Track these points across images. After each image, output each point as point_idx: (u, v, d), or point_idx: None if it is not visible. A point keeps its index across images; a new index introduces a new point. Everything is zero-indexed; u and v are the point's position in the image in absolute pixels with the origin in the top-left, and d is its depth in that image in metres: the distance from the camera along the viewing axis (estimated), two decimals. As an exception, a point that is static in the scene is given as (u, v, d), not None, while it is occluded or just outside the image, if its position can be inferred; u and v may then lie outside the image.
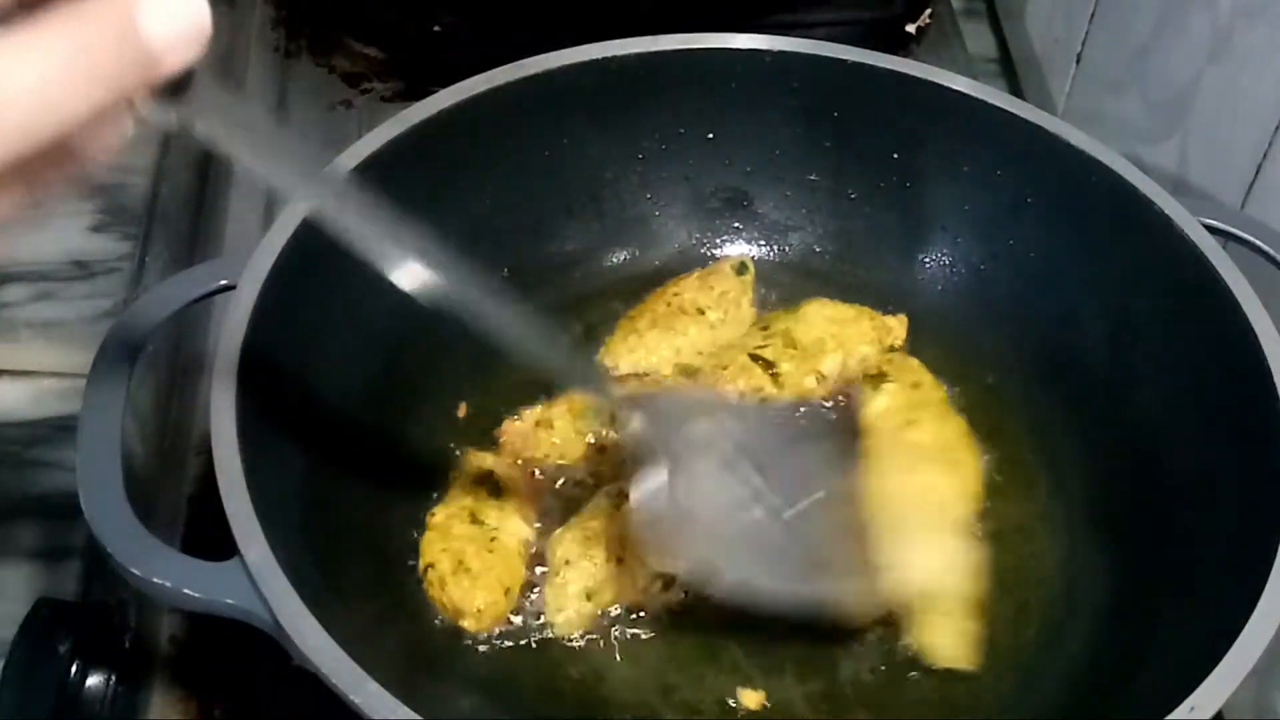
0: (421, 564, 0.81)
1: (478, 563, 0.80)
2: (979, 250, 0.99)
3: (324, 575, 0.70)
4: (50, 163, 0.39)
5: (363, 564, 0.80)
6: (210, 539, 0.67)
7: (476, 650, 0.80)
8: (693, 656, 0.80)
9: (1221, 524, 0.78)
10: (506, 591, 0.80)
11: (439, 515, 0.83)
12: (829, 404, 0.93)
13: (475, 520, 0.82)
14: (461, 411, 0.92)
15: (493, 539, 0.81)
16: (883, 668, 0.80)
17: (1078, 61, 1.20)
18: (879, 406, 0.91)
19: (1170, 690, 0.65)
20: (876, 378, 0.93)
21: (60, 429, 0.90)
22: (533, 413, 0.88)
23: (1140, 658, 0.77)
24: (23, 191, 0.39)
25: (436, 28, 1.27)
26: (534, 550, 0.83)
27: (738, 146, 1.01)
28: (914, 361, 0.95)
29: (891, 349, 0.96)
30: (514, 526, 0.83)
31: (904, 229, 1.02)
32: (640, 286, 0.99)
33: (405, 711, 0.61)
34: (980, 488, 0.88)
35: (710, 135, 1.00)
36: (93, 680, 0.80)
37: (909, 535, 0.75)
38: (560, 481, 0.88)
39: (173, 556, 0.67)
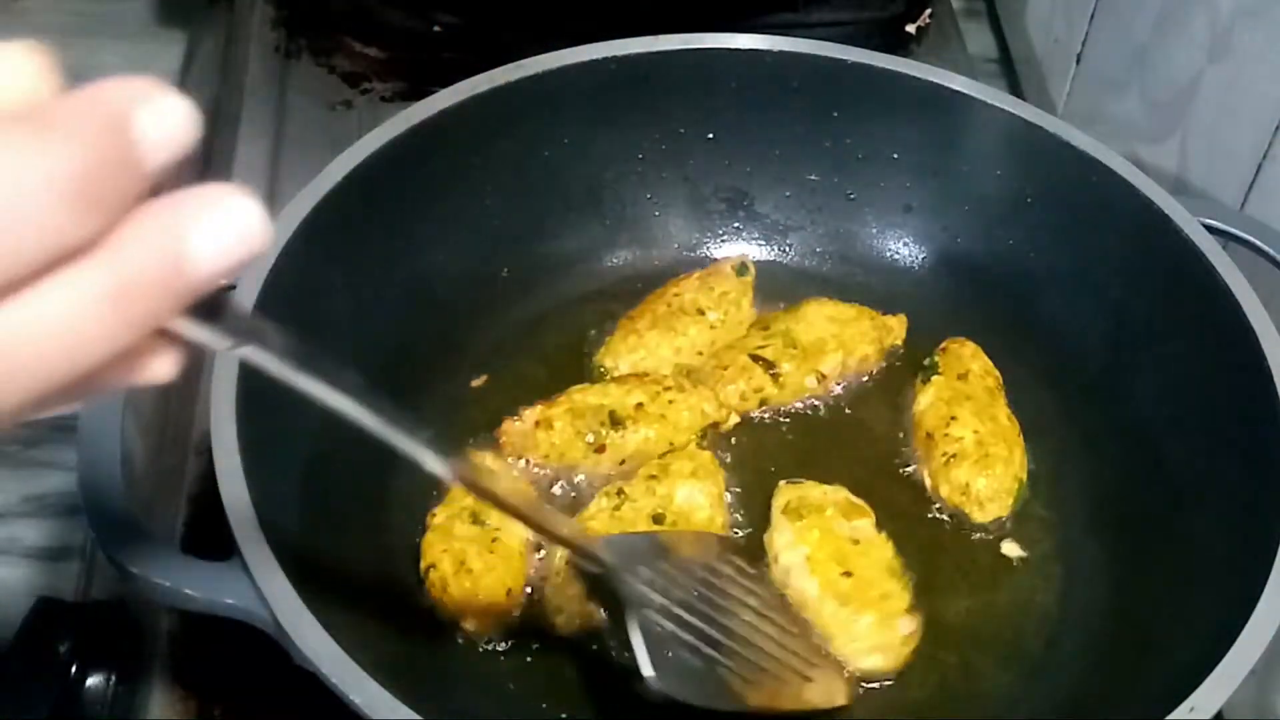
0: (423, 564, 0.81)
1: (479, 563, 0.80)
2: (979, 250, 0.99)
3: (324, 575, 0.70)
4: (84, 385, 0.36)
5: (363, 564, 0.80)
6: (210, 539, 0.67)
7: (477, 650, 0.80)
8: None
9: (1221, 524, 0.78)
10: (508, 592, 0.80)
11: (440, 516, 0.83)
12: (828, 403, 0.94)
13: (476, 521, 0.82)
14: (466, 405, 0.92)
15: (494, 539, 0.81)
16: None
17: (1078, 61, 1.20)
18: (922, 404, 0.92)
19: (1170, 690, 0.65)
20: (927, 369, 0.94)
21: (60, 429, 0.90)
22: (532, 413, 0.88)
23: (1140, 658, 0.77)
24: (54, 408, 0.37)
25: (436, 28, 1.27)
26: (535, 550, 0.83)
27: (738, 146, 1.01)
28: (968, 349, 0.95)
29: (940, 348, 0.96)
30: (515, 526, 0.83)
31: (903, 229, 1.02)
32: (640, 286, 0.99)
33: (405, 711, 0.61)
34: (1016, 482, 0.88)
35: (710, 135, 1.00)
36: (93, 680, 0.80)
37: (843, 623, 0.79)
38: (560, 481, 0.88)
39: (173, 556, 0.67)
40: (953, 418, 0.89)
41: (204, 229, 0.35)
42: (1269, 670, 0.85)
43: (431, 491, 0.86)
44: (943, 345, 0.95)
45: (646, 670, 0.68)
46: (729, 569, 0.76)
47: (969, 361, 0.94)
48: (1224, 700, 0.64)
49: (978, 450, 0.88)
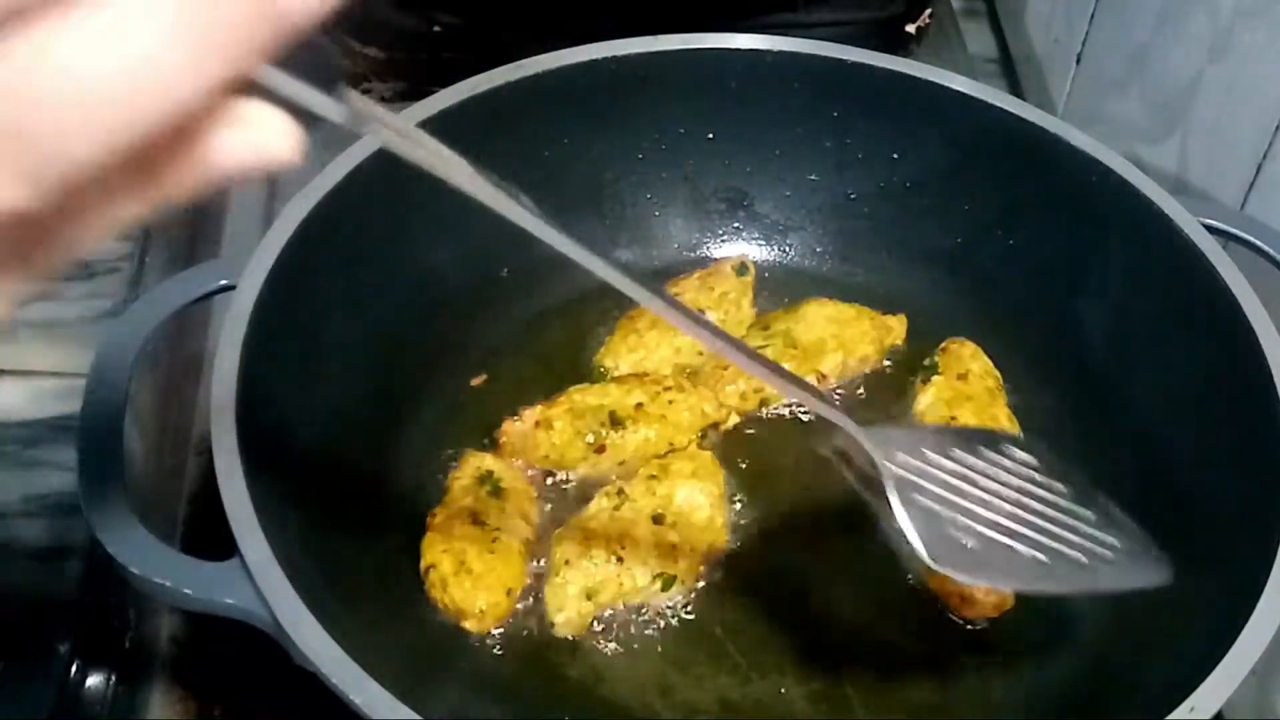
0: (423, 564, 0.81)
1: (479, 564, 0.80)
2: (978, 250, 0.99)
3: (324, 575, 0.70)
4: (171, 157, 0.30)
5: (363, 564, 0.80)
6: (210, 539, 0.67)
7: (477, 650, 0.80)
8: (693, 657, 0.80)
9: (1221, 524, 0.78)
10: (508, 592, 0.80)
11: (440, 516, 0.83)
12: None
13: (476, 521, 0.82)
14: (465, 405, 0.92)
15: (494, 539, 0.81)
16: (883, 669, 0.80)
17: (1078, 61, 1.20)
18: (922, 404, 0.92)
19: (1170, 690, 0.65)
20: (928, 369, 0.94)
21: (60, 429, 0.90)
22: (532, 413, 0.88)
23: (1140, 658, 0.77)
24: (140, 192, 0.31)
25: (436, 28, 1.27)
26: (535, 550, 0.83)
27: (738, 146, 1.01)
28: (968, 349, 0.95)
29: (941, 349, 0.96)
30: (515, 526, 0.83)
31: (903, 229, 1.02)
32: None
33: (405, 711, 0.61)
34: None
35: (710, 135, 1.00)
36: (93, 680, 0.80)
37: None
38: (560, 481, 0.88)
39: (172, 556, 0.67)
40: (953, 418, 0.89)
41: None
42: (1269, 670, 0.85)
43: (432, 491, 0.86)
44: (943, 345, 0.95)
45: (919, 549, 0.64)
46: (1005, 460, 0.71)
47: (969, 361, 0.94)
48: (1224, 700, 0.64)
49: None
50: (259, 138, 0.32)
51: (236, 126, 0.31)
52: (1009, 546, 0.67)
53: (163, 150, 0.30)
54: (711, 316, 0.96)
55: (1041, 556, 0.67)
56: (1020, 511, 0.68)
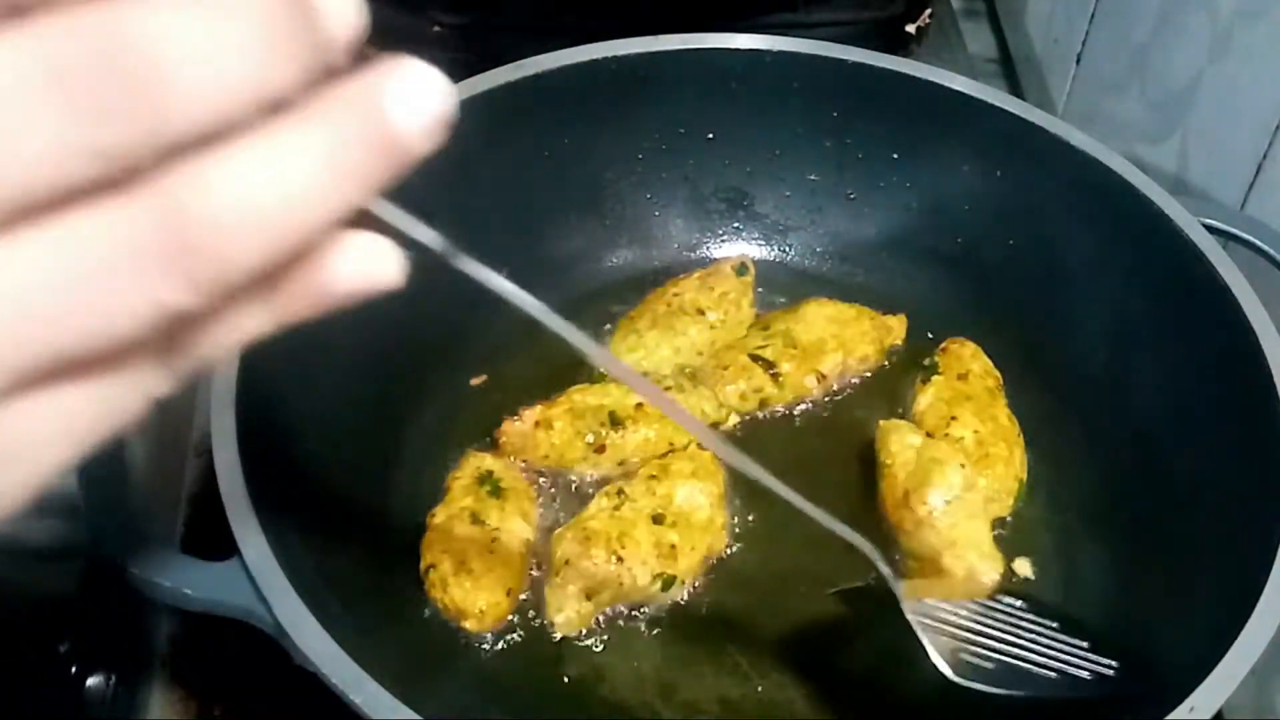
0: (423, 565, 0.81)
1: (479, 563, 0.80)
2: (979, 250, 0.99)
3: (323, 575, 0.70)
4: (292, 280, 0.35)
5: (362, 564, 0.80)
6: (210, 539, 0.67)
7: (476, 650, 0.80)
8: (693, 656, 0.80)
9: (1221, 524, 0.78)
10: (508, 592, 0.80)
11: (440, 516, 0.83)
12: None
13: (476, 521, 0.82)
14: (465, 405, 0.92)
15: (494, 539, 0.81)
16: (884, 669, 0.80)
17: (1078, 61, 1.20)
18: (922, 404, 0.92)
19: (1170, 690, 0.65)
20: (927, 369, 0.94)
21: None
22: (532, 413, 0.88)
23: (1140, 657, 0.76)
24: (267, 309, 0.35)
25: (436, 28, 1.27)
26: (535, 550, 0.83)
27: (738, 146, 1.01)
28: (968, 349, 0.95)
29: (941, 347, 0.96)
30: (515, 526, 0.83)
31: (903, 229, 1.02)
32: (640, 286, 0.99)
33: (405, 711, 0.61)
34: (1016, 482, 0.88)
35: (710, 135, 1.00)
36: (92, 680, 0.80)
37: None
38: (560, 481, 0.88)
39: (172, 556, 0.67)
40: (953, 417, 0.89)
41: (397, 87, 0.34)
42: (1269, 670, 0.85)
43: (431, 492, 0.86)
44: (943, 345, 0.95)
45: (942, 667, 0.73)
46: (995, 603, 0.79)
47: (969, 362, 0.94)
48: (1224, 700, 0.64)
49: (978, 450, 0.88)
50: (368, 264, 0.36)
51: (350, 253, 0.36)
52: (1022, 660, 0.75)
53: (286, 272, 0.34)
54: (711, 317, 0.96)
55: (1050, 674, 0.75)
56: (1021, 635, 0.76)
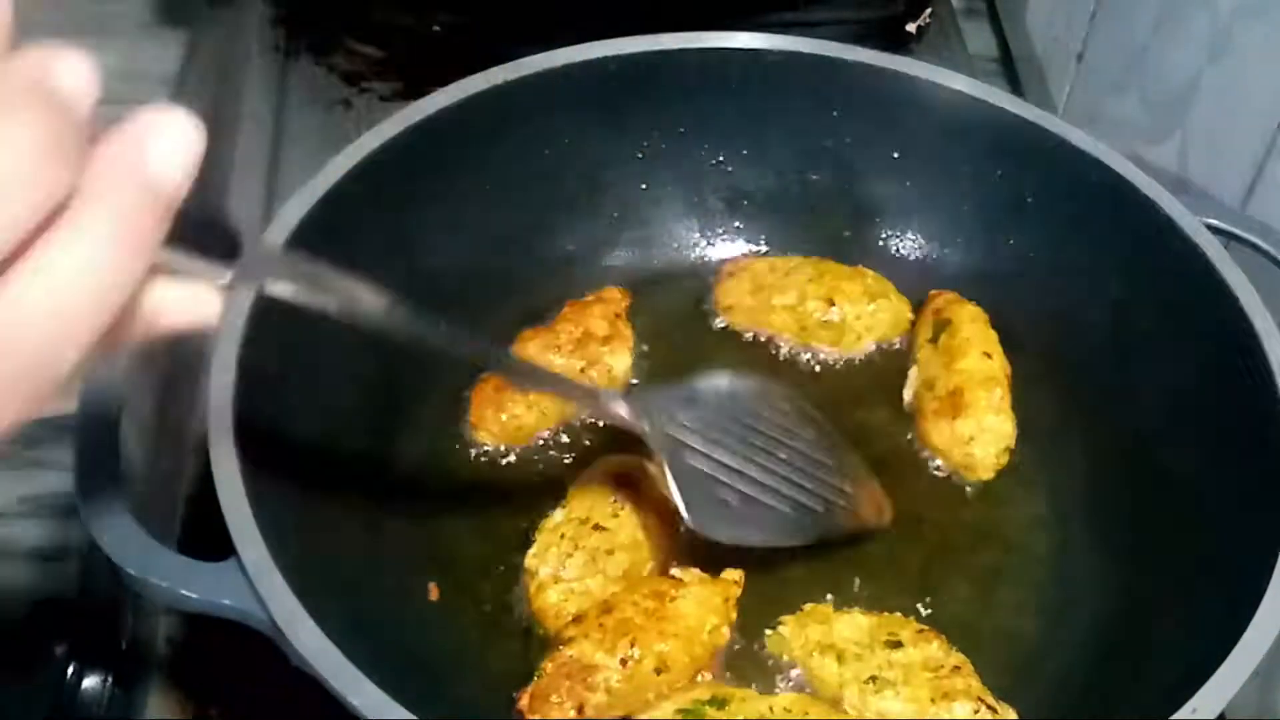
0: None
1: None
2: (979, 250, 0.99)
3: (321, 576, 0.70)
4: (114, 329, 0.39)
5: (360, 565, 0.80)
6: (207, 540, 0.67)
7: (477, 650, 0.79)
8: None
9: (1223, 524, 0.78)
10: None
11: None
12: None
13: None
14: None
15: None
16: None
17: (1078, 61, 1.20)
18: (925, 358, 0.93)
19: (1173, 691, 0.65)
20: (935, 326, 0.94)
21: (59, 429, 0.89)
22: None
23: (1142, 658, 0.76)
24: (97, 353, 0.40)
25: (436, 28, 1.27)
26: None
27: (737, 146, 1.01)
28: (967, 310, 0.95)
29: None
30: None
31: (904, 229, 1.01)
32: (640, 286, 0.99)
33: (402, 712, 0.61)
34: (1006, 435, 0.90)
35: (710, 135, 1.00)
36: (89, 681, 0.79)
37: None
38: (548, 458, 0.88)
39: (170, 557, 0.67)
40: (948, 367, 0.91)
41: (154, 143, 0.39)
42: (1272, 671, 0.85)
43: (431, 494, 0.86)
44: (938, 304, 0.96)
45: (683, 513, 0.74)
46: (771, 411, 0.80)
47: (964, 322, 0.94)
48: (1227, 701, 0.64)
49: (971, 398, 0.89)
50: (186, 306, 0.43)
51: (159, 300, 0.42)
52: (762, 504, 0.77)
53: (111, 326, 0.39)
54: None
55: (788, 510, 0.78)
56: (773, 466, 0.79)
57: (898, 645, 0.78)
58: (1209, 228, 0.85)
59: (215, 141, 1.11)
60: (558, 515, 0.83)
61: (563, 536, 0.82)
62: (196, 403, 0.99)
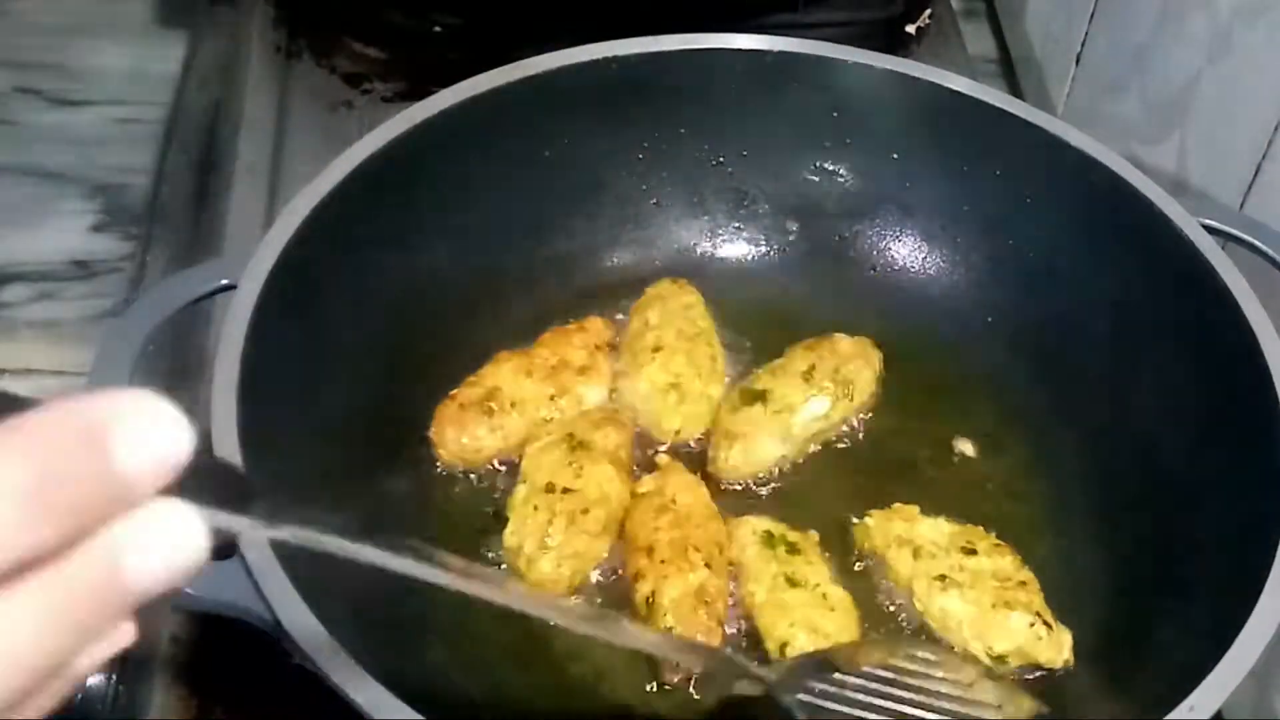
0: None
1: None
2: (979, 250, 0.99)
3: (324, 574, 0.70)
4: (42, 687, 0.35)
5: (363, 564, 0.80)
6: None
7: (478, 651, 0.80)
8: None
9: (1221, 524, 0.78)
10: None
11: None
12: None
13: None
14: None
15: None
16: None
17: (1078, 62, 1.20)
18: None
19: (1170, 690, 0.65)
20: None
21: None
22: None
23: (1139, 657, 0.77)
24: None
25: (436, 28, 1.27)
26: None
27: (737, 146, 1.01)
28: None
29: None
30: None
31: (903, 229, 1.02)
32: (640, 286, 0.99)
33: (406, 711, 0.61)
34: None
35: (710, 135, 1.00)
36: (93, 680, 0.80)
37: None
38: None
39: (173, 556, 0.67)
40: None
41: (141, 545, 0.35)
42: (1269, 670, 0.85)
43: (430, 492, 0.86)
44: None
45: None
46: (906, 661, 0.71)
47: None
48: (1223, 700, 0.64)
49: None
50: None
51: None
52: None
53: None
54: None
55: None
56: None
57: (973, 553, 0.81)
58: (1207, 228, 0.86)
59: (216, 142, 1.11)
60: (521, 491, 0.84)
61: (535, 508, 0.82)
62: (199, 401, 0.99)
